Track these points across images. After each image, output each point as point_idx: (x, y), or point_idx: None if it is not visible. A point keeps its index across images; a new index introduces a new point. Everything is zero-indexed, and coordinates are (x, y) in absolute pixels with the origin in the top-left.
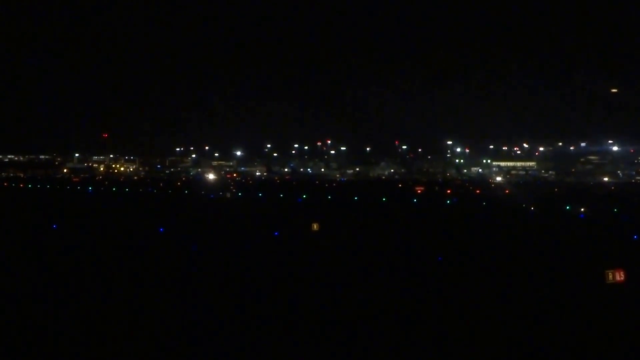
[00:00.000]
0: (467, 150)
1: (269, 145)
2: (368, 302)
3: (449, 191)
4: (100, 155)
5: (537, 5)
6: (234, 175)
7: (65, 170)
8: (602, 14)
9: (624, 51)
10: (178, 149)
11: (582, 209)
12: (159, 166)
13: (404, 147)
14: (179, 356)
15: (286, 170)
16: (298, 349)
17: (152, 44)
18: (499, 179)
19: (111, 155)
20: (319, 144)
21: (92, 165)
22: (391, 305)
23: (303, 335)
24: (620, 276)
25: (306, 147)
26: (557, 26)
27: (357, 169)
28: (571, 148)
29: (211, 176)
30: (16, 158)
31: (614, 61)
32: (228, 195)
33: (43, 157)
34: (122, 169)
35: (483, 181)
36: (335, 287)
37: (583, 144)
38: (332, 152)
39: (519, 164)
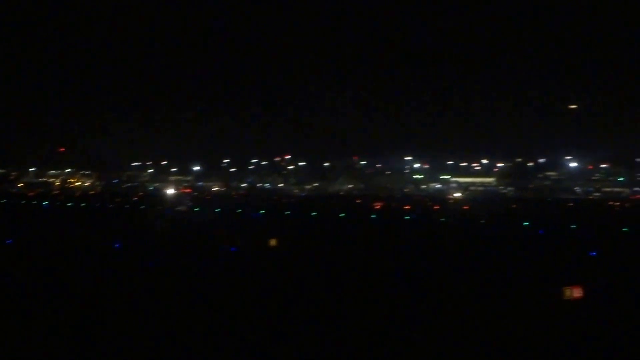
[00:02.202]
0: (426, 166)
1: (226, 160)
2: (326, 317)
3: (407, 207)
4: (56, 170)
5: (494, 21)
6: (188, 190)
7: (20, 185)
8: (559, 30)
9: (582, 67)
10: (135, 164)
11: (540, 225)
12: (115, 180)
13: (363, 162)
14: None
15: (244, 185)
16: None
17: (107, 58)
18: (457, 194)
19: (67, 170)
20: (277, 159)
21: (48, 179)
22: (349, 321)
23: (260, 352)
24: (577, 293)
25: (264, 162)
26: (516, 42)
27: (316, 185)
28: (530, 164)
29: (170, 191)
30: None
31: (572, 77)
32: (184, 209)
33: None
34: (78, 183)
35: (442, 197)
36: (293, 303)
37: (541, 160)
38: (291, 167)
39: (477, 179)
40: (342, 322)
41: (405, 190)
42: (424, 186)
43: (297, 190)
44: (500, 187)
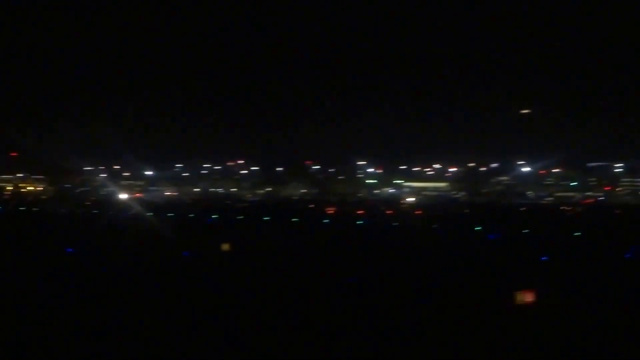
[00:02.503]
0: (379, 171)
1: (179, 165)
2: (279, 323)
3: (360, 211)
4: (7, 175)
5: (444, 26)
6: (139, 194)
7: None
8: (511, 33)
9: (534, 72)
10: (87, 169)
11: (493, 230)
12: (67, 185)
13: (316, 167)
14: None
15: (196, 190)
16: None
17: (59, 61)
18: (410, 199)
19: (19, 175)
20: (230, 163)
21: None
22: (303, 327)
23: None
24: (529, 297)
25: (217, 167)
26: (468, 46)
27: (268, 189)
28: (482, 169)
29: (123, 195)
30: None
31: (524, 82)
32: (135, 213)
33: None
34: (30, 188)
35: (395, 202)
36: (246, 308)
37: (494, 165)
38: (244, 172)
39: (430, 184)
40: (293, 327)
41: (359, 194)
42: (377, 191)
43: (249, 195)
44: (453, 192)
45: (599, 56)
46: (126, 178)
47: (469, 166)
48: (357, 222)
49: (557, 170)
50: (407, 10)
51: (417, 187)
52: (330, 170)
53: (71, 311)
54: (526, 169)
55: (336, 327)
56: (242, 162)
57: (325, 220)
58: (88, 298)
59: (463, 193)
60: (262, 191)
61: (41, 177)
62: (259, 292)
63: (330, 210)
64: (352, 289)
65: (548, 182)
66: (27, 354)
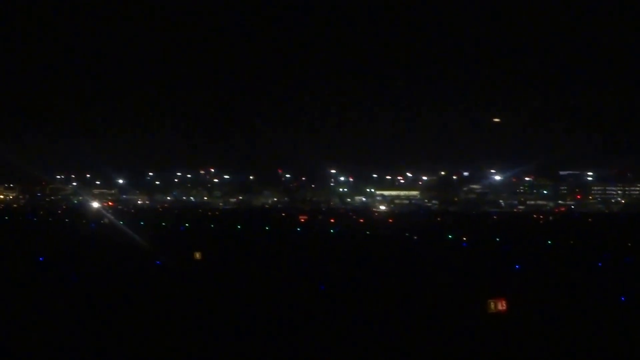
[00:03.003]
0: (351, 179)
1: (151, 174)
2: (251, 330)
3: (332, 220)
4: None
5: (416, 33)
6: (110, 203)
7: None
8: (482, 41)
9: (505, 80)
10: (58, 177)
11: (465, 238)
12: (39, 194)
13: (288, 175)
14: None
15: (168, 198)
16: None
17: (31, 69)
18: (382, 208)
19: None
20: (202, 172)
21: None
22: (274, 334)
23: None
24: (502, 305)
25: (189, 175)
26: (439, 53)
27: (240, 198)
28: (454, 177)
29: (95, 204)
30: None
31: (495, 90)
32: (106, 221)
33: None
34: (1, 196)
35: (367, 210)
36: (218, 316)
37: (466, 174)
38: (215, 180)
39: (402, 193)
40: (265, 335)
41: (331, 203)
42: (349, 199)
43: (221, 204)
44: (425, 200)
45: (572, 64)
46: (98, 186)
47: (440, 174)
48: (329, 231)
49: (529, 178)
50: (381, 23)
51: (388, 195)
52: (302, 178)
53: (42, 320)
54: (498, 177)
55: (307, 333)
56: (214, 170)
57: (297, 229)
58: (60, 307)
59: (435, 201)
60: (234, 199)
61: (12, 185)
62: (231, 299)
63: (302, 219)
64: (322, 295)
65: (520, 190)
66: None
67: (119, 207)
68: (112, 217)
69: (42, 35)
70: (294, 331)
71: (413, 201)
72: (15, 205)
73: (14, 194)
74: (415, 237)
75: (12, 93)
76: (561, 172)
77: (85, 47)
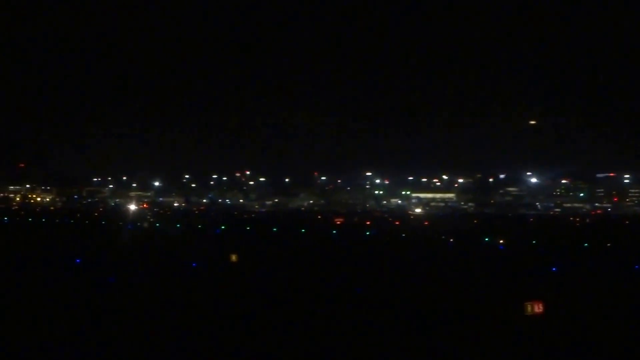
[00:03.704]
0: (387, 182)
1: (187, 176)
2: (287, 333)
3: (368, 222)
4: (16, 185)
5: (453, 38)
6: (145, 205)
7: None
8: (520, 46)
9: (543, 83)
10: (95, 179)
11: (501, 241)
12: (76, 196)
13: (323, 178)
14: None
15: (204, 200)
16: None
17: (67, 73)
18: (418, 210)
19: (27, 185)
20: (237, 174)
21: (7, 195)
22: (311, 337)
23: None
24: (539, 308)
25: (225, 178)
26: (477, 58)
27: (276, 200)
28: (490, 180)
29: (132, 207)
30: None
31: (533, 93)
32: (145, 225)
33: None
34: (38, 199)
35: (402, 213)
36: (254, 319)
37: (502, 176)
38: (251, 183)
39: (438, 195)
40: (301, 338)
41: (366, 205)
42: (384, 202)
43: (257, 206)
44: (461, 203)
45: (610, 68)
46: (134, 189)
47: (476, 177)
48: (365, 233)
49: (566, 181)
50: (416, 22)
51: (424, 198)
52: (337, 181)
53: (80, 322)
54: (534, 180)
55: (344, 336)
56: (250, 172)
57: (333, 231)
58: (96, 309)
59: (471, 204)
60: (269, 202)
61: (49, 187)
62: (267, 302)
63: (338, 221)
64: (359, 299)
65: (556, 193)
66: None
67: (155, 209)
68: (148, 220)
69: (80, 42)
70: (331, 333)
71: (449, 204)
72: (52, 208)
73: (51, 197)
74: (451, 240)
75: (51, 96)
76: (598, 175)
77: (123, 55)
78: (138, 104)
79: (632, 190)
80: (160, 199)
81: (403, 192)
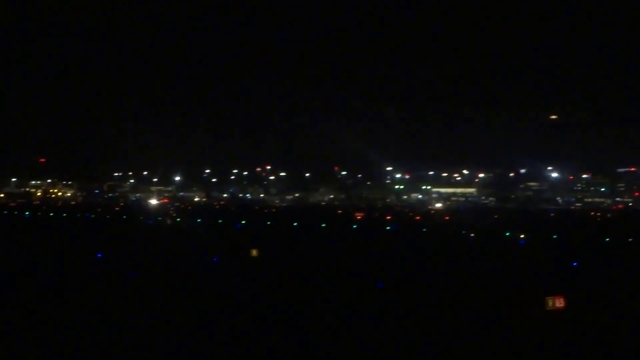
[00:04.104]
0: (407, 177)
1: (207, 171)
2: (307, 328)
3: (388, 217)
4: (37, 180)
5: (473, 32)
6: (166, 200)
7: (1, 195)
8: (540, 40)
9: (563, 77)
10: (116, 174)
11: (522, 236)
12: (97, 191)
13: (344, 173)
14: None
15: (225, 195)
16: None
17: (87, 67)
18: (438, 205)
19: (49, 180)
20: (258, 169)
21: (29, 190)
22: (330, 332)
23: None
24: (560, 303)
25: (245, 173)
26: (497, 52)
27: (297, 195)
28: (511, 174)
29: (153, 201)
30: None
31: (553, 87)
32: (168, 221)
33: None
34: (59, 193)
35: (423, 207)
36: (275, 314)
37: (523, 171)
38: (272, 177)
39: (458, 190)
40: (321, 333)
41: (387, 200)
42: (405, 196)
43: (277, 201)
44: (482, 198)
45: (630, 62)
46: (155, 184)
47: (497, 171)
48: (386, 228)
49: (586, 175)
50: (438, 14)
51: (445, 192)
52: (358, 175)
53: (102, 316)
54: (555, 175)
55: (366, 331)
56: (270, 167)
57: (353, 226)
58: (118, 303)
59: (491, 199)
60: (290, 197)
61: (70, 182)
62: (288, 297)
63: (359, 216)
64: (380, 294)
65: (577, 188)
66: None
67: (175, 204)
68: (169, 214)
69: (100, 34)
70: (352, 329)
71: (469, 198)
72: (73, 203)
73: (72, 191)
74: (472, 235)
75: (71, 91)
76: (619, 170)
77: (144, 48)
78: (159, 98)
79: None
80: (181, 193)
81: (423, 187)
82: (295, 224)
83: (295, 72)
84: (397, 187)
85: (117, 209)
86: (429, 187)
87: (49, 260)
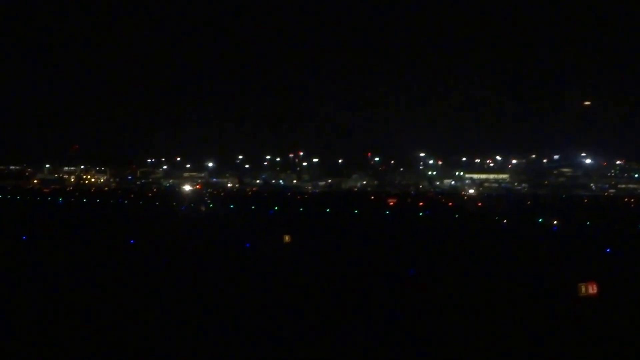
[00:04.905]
0: (440, 163)
1: (240, 157)
2: (340, 314)
3: (421, 203)
4: (70, 166)
5: (508, 17)
6: (199, 186)
7: (35, 181)
8: (574, 27)
9: (597, 64)
10: (149, 160)
11: (555, 222)
12: (130, 177)
13: (376, 159)
14: None
15: (257, 182)
16: None
17: (122, 55)
18: (471, 191)
19: (82, 166)
20: (291, 155)
21: (62, 176)
22: (365, 318)
23: (275, 348)
24: (592, 289)
25: (278, 159)
26: (531, 38)
27: (329, 181)
28: (544, 160)
29: (185, 187)
30: None
31: (587, 73)
32: (202, 208)
33: (13, 167)
34: (92, 180)
35: (456, 193)
36: (308, 300)
37: (556, 157)
38: (305, 164)
39: (491, 176)
40: (353, 321)
41: (420, 186)
42: (437, 182)
43: (310, 187)
44: (515, 184)
45: None
46: (188, 170)
47: (530, 157)
48: (419, 214)
49: (620, 162)
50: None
51: (477, 178)
52: (390, 162)
53: (135, 301)
54: (588, 161)
55: (399, 318)
56: (303, 153)
57: (386, 212)
58: (150, 289)
59: (524, 185)
60: (322, 183)
61: (103, 168)
62: (320, 283)
63: (391, 202)
64: (412, 280)
65: (611, 174)
66: (98, 341)
67: (208, 190)
68: (202, 200)
69: (125, 25)
70: (385, 315)
71: (502, 184)
72: (106, 189)
73: (105, 177)
74: (505, 221)
75: (105, 79)
76: None
77: (172, 34)
78: (192, 85)
79: None
80: (214, 179)
81: (456, 173)
82: (327, 210)
83: (330, 60)
84: (430, 173)
85: (149, 195)
86: (461, 173)
87: (81, 247)
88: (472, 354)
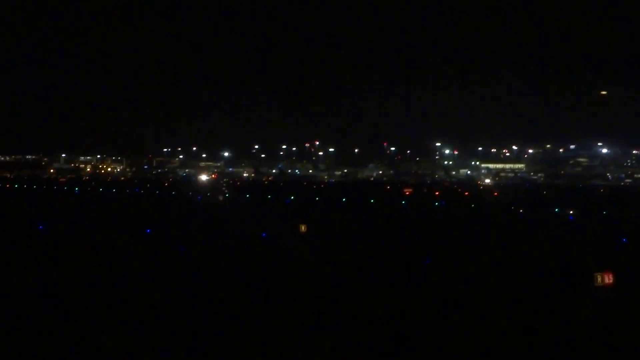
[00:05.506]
0: (456, 152)
1: (256, 146)
2: (356, 303)
3: (437, 193)
4: (87, 156)
5: (524, 8)
6: (214, 176)
7: (52, 171)
8: (590, 16)
9: (613, 53)
10: (165, 150)
11: (571, 212)
12: (146, 167)
13: (392, 148)
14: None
15: (273, 171)
16: (288, 350)
17: (139, 45)
18: (487, 181)
19: (98, 156)
20: (307, 145)
21: (79, 165)
22: (380, 308)
23: (291, 337)
24: (609, 279)
25: (294, 149)
26: (546, 28)
27: (345, 171)
28: (560, 150)
29: (202, 177)
30: (2, 158)
31: (603, 63)
32: (219, 197)
33: (30, 157)
34: (109, 169)
35: (472, 183)
36: (324, 289)
37: (572, 146)
38: (320, 153)
39: (507, 166)
40: (367, 309)
41: (436, 176)
42: (453, 172)
43: (326, 176)
44: (531, 174)
45: None
46: (204, 159)
47: (546, 147)
48: (435, 204)
49: (637, 151)
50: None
51: (494, 168)
52: (406, 151)
53: (150, 290)
54: (605, 151)
55: (414, 307)
56: (319, 143)
57: (402, 202)
58: (166, 278)
59: (541, 174)
60: (338, 172)
61: (120, 158)
62: (336, 272)
63: (407, 192)
64: (428, 270)
65: (627, 164)
66: (118, 325)
67: (224, 179)
68: (218, 190)
69: (139, 17)
70: (401, 304)
71: (518, 174)
72: (122, 178)
73: (121, 167)
74: (521, 211)
75: (121, 70)
76: None
77: (189, 25)
78: (209, 75)
79: None
80: (230, 169)
81: (472, 163)
82: (343, 199)
83: (346, 49)
84: (446, 162)
85: (166, 184)
86: (477, 163)
87: (97, 235)
88: (488, 341)
